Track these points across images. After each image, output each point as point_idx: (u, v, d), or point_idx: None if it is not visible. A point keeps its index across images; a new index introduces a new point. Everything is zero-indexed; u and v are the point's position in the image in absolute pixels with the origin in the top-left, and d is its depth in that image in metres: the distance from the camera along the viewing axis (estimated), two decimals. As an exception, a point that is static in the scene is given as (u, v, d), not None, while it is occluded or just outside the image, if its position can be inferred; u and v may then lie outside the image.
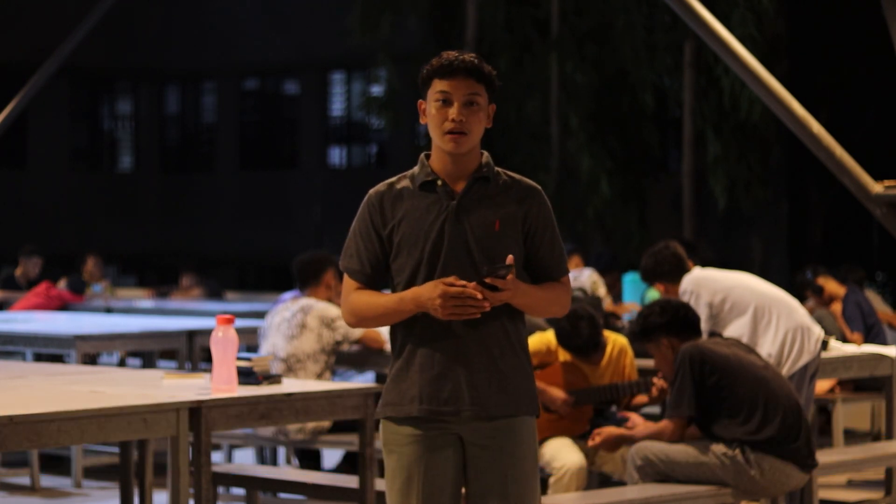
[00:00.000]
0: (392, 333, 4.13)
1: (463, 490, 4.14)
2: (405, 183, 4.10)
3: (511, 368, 4.06)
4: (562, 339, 7.16)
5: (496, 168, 4.13)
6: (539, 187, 4.15)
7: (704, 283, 7.34)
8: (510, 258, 3.96)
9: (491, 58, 19.98)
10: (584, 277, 11.80)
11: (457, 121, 4.02)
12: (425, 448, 4.05)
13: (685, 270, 7.48)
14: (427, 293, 3.95)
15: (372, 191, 4.12)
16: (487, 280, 3.92)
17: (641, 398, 7.17)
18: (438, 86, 4.05)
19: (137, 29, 26.72)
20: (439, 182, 4.06)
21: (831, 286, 10.93)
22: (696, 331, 6.52)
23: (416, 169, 4.12)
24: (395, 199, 4.08)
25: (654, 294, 11.30)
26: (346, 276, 4.12)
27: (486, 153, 4.13)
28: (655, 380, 6.85)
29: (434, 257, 4.01)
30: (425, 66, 4.11)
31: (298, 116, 26.82)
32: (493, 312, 4.01)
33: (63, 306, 12.99)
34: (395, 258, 4.06)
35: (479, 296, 3.92)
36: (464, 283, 3.93)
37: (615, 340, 7.30)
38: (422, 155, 4.14)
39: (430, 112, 4.06)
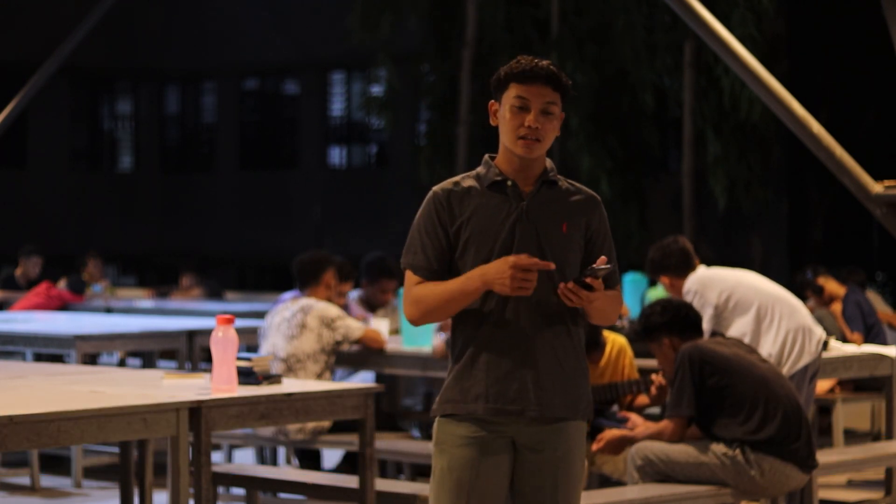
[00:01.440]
0: (453, 337, 4.14)
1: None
2: (471, 182, 4.13)
3: (573, 370, 4.11)
4: None
5: (557, 175, 4.17)
6: (599, 197, 4.21)
7: (709, 283, 7.34)
8: (602, 259, 4.00)
9: (491, 58, 20.00)
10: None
11: (533, 128, 4.05)
12: (480, 451, 4.06)
13: (692, 266, 7.48)
14: (496, 267, 3.97)
15: (437, 188, 4.14)
16: (587, 280, 3.95)
17: (643, 399, 7.17)
18: (516, 90, 4.07)
19: (137, 29, 26.72)
20: (509, 182, 4.10)
21: (831, 286, 10.93)
22: (698, 330, 6.52)
23: (480, 169, 4.15)
24: (463, 197, 4.10)
25: (654, 294, 11.29)
26: (407, 274, 4.11)
27: (549, 160, 4.18)
28: (654, 377, 6.84)
29: (504, 255, 4.04)
30: (501, 68, 4.12)
31: (298, 116, 26.82)
32: (559, 316, 4.06)
33: (63, 306, 12.99)
34: (461, 255, 4.08)
35: (575, 298, 3.95)
36: (535, 259, 3.96)
37: (614, 340, 7.30)
38: (486, 156, 4.17)
39: (505, 116, 4.08)
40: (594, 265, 3.99)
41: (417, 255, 4.10)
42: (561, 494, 4.08)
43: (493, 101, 4.15)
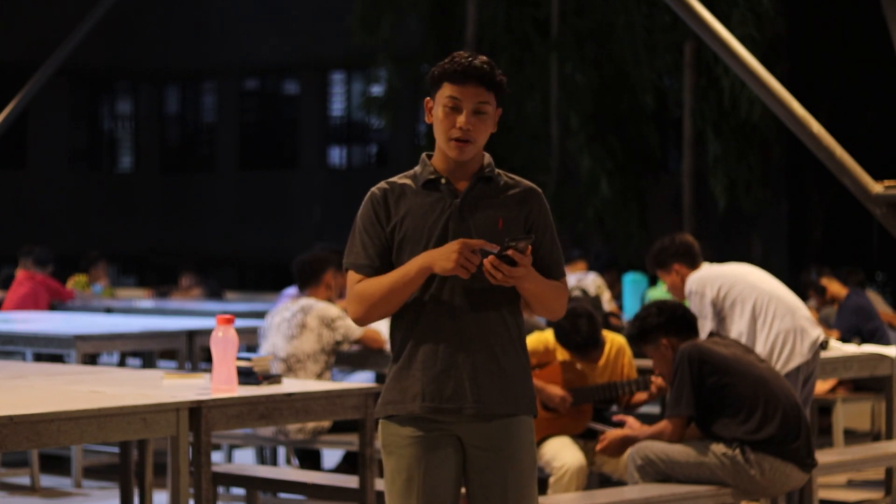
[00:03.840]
0: (392, 333, 4.12)
1: (463, 490, 4.14)
2: (407, 181, 4.11)
3: (512, 367, 4.07)
4: (561, 337, 7.16)
5: (497, 169, 4.14)
6: (539, 189, 4.15)
7: (707, 282, 7.32)
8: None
9: (491, 58, 19.98)
10: (588, 280, 11.80)
11: (464, 129, 4.02)
12: (425, 449, 4.04)
13: (699, 259, 7.47)
14: (443, 248, 3.95)
15: (374, 188, 4.12)
16: (509, 252, 3.90)
17: (641, 395, 7.17)
18: (448, 90, 4.03)
19: (137, 29, 26.72)
20: (443, 180, 4.07)
21: (834, 287, 10.94)
22: (694, 330, 6.52)
23: (417, 168, 4.12)
24: (399, 196, 4.08)
25: (654, 294, 11.30)
26: (350, 274, 4.09)
27: (487, 154, 4.14)
28: (654, 377, 6.85)
29: None
30: (436, 65, 4.08)
31: (298, 116, 26.82)
32: (495, 304, 4.02)
33: (54, 293, 12.98)
34: (398, 255, 4.05)
35: (499, 273, 3.90)
36: (483, 241, 3.93)
37: (613, 340, 7.30)
38: (423, 154, 4.14)
39: (438, 115, 4.05)
40: (517, 235, 3.95)
41: (359, 254, 4.08)
42: (511, 491, 4.05)
43: (428, 98, 4.11)
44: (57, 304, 13.13)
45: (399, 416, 4.07)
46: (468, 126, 4.01)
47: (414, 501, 4.04)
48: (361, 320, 4.07)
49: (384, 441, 4.11)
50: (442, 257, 3.93)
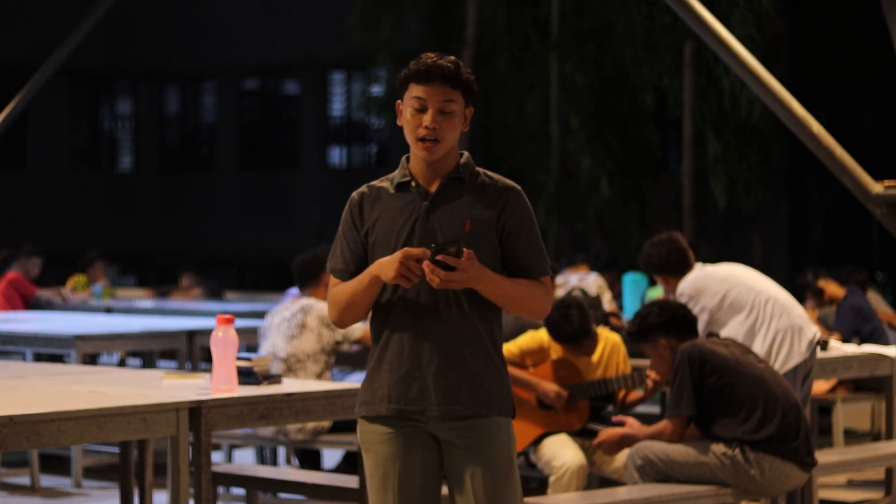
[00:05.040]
0: (371, 333, 4.15)
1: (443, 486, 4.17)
2: (385, 184, 4.12)
3: (482, 369, 4.05)
4: (553, 330, 7.15)
5: (477, 169, 4.11)
6: (517, 187, 4.12)
7: (703, 287, 7.30)
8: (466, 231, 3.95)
9: (491, 58, 20.00)
10: (589, 280, 11.80)
11: (430, 128, 4.01)
12: (399, 446, 4.07)
13: (689, 265, 7.44)
14: (390, 256, 3.96)
15: (354, 192, 4.15)
16: (439, 258, 3.88)
17: (636, 394, 7.17)
18: (414, 91, 4.03)
19: (137, 29, 26.72)
20: (413, 183, 4.07)
21: (832, 288, 10.94)
22: (694, 331, 6.52)
23: (396, 171, 4.14)
24: (374, 201, 4.10)
25: (654, 293, 11.30)
26: (330, 278, 4.15)
27: (466, 154, 4.13)
28: (649, 371, 6.83)
29: None
30: (403, 68, 4.08)
31: (298, 116, 26.82)
32: (461, 312, 4.01)
33: (26, 293, 13.04)
34: (371, 259, 4.07)
35: (436, 278, 3.88)
36: (423, 248, 3.92)
37: (608, 337, 7.30)
38: (403, 157, 4.15)
39: (406, 117, 4.06)
40: (447, 241, 3.94)
41: (337, 259, 4.13)
42: (486, 489, 4.03)
43: (399, 101, 4.11)
44: (46, 303, 13.19)
45: (370, 416, 4.10)
46: (434, 125, 4.00)
47: (390, 497, 4.07)
48: (337, 323, 4.13)
49: (361, 438, 4.15)
50: (386, 266, 3.95)
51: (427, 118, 4.01)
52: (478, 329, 4.05)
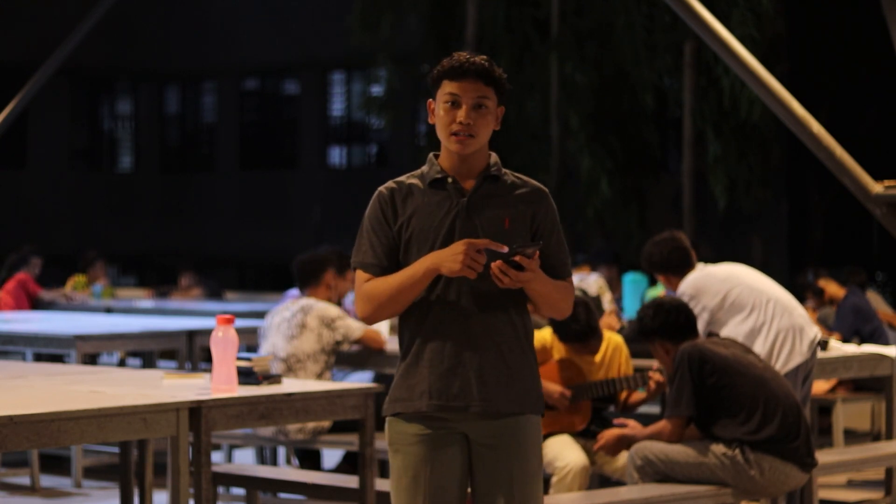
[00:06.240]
0: (400, 332, 4.14)
1: (468, 489, 4.15)
2: (414, 181, 4.13)
3: (519, 365, 4.08)
4: (559, 328, 7.14)
5: (503, 169, 4.15)
6: (546, 189, 4.18)
7: (704, 287, 7.29)
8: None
9: (491, 58, 19.97)
10: (590, 280, 11.79)
11: (464, 123, 4.04)
12: (431, 447, 4.06)
13: (691, 265, 7.43)
14: (449, 249, 3.96)
15: (382, 187, 4.14)
16: (516, 258, 3.92)
17: (639, 395, 7.17)
18: (448, 87, 4.07)
19: (137, 29, 26.72)
20: (449, 179, 4.09)
21: (832, 288, 10.94)
22: (693, 331, 6.51)
23: (424, 168, 4.15)
24: (406, 196, 4.10)
25: (654, 293, 11.30)
26: (358, 273, 4.11)
27: (493, 154, 4.16)
28: (651, 373, 6.84)
29: None
30: (436, 66, 4.12)
31: (298, 116, 26.83)
32: (501, 304, 4.04)
33: (31, 294, 13.05)
34: (405, 254, 4.07)
35: (506, 278, 3.91)
36: (488, 241, 3.94)
37: (610, 338, 7.30)
38: (430, 154, 4.17)
39: (439, 113, 4.09)
40: (524, 242, 3.97)
41: (367, 254, 4.10)
42: (517, 489, 4.06)
43: (430, 100, 4.14)
44: (49, 303, 13.20)
45: (406, 413, 4.09)
46: (468, 120, 4.04)
47: (420, 499, 4.06)
48: (369, 319, 4.09)
49: (391, 439, 4.12)
50: (448, 258, 3.95)
51: (461, 113, 4.04)
52: (516, 326, 4.09)
